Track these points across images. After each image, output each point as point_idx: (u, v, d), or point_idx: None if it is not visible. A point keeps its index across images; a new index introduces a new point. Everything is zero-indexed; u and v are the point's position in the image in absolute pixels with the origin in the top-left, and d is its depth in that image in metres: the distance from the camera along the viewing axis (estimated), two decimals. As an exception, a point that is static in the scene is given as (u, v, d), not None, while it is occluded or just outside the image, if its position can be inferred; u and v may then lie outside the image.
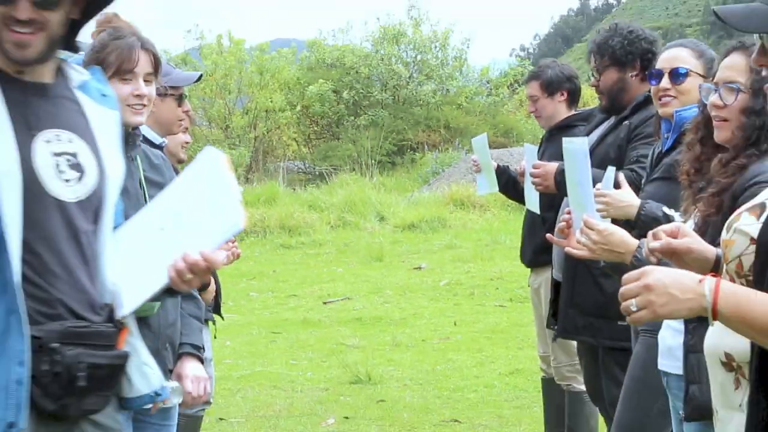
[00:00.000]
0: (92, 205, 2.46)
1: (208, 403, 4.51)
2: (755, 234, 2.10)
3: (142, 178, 3.29)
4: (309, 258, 13.94)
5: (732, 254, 2.20)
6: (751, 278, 2.11)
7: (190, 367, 3.34)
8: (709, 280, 1.97)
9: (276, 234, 15.31)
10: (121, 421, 2.56)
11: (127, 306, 2.51)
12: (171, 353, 3.29)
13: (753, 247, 2.11)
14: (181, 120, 4.18)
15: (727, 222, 2.27)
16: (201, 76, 4.37)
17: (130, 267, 2.52)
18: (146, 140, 3.95)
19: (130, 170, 3.19)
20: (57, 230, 2.37)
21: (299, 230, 15.48)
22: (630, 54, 4.47)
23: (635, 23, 4.71)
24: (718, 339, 2.29)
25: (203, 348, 3.48)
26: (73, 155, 2.44)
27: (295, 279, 12.34)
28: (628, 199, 3.58)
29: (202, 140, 22.55)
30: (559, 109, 5.37)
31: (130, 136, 3.25)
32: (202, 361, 3.42)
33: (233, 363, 8.14)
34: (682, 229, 2.52)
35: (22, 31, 2.37)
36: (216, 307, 4.48)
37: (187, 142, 4.46)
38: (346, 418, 6.57)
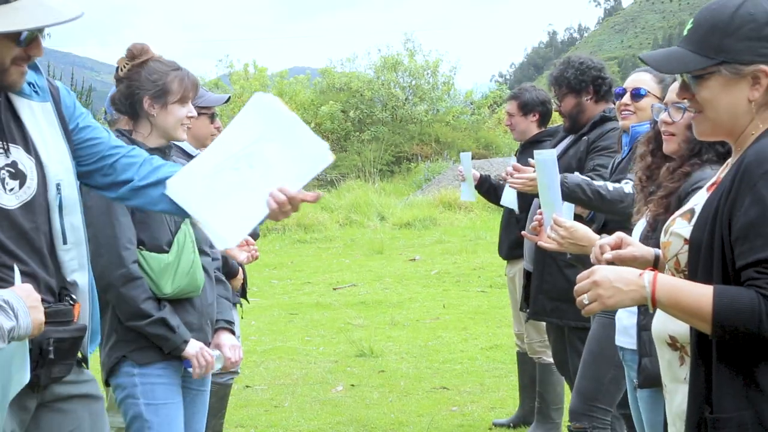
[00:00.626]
0: (38, 203, 2.36)
1: (236, 372, 4.51)
2: (688, 235, 2.10)
3: None
4: (321, 251, 13.92)
5: (670, 253, 2.19)
6: (687, 273, 2.10)
7: (226, 338, 3.36)
8: (648, 274, 1.98)
9: (293, 231, 15.30)
10: (83, 376, 2.51)
11: (232, 239, 2.40)
12: (210, 328, 3.29)
13: (687, 247, 2.10)
14: (213, 135, 4.17)
15: (665, 226, 2.26)
16: (229, 98, 4.36)
17: (219, 206, 2.40)
18: (184, 152, 3.95)
19: None
20: (6, 234, 2.29)
21: (313, 228, 15.47)
22: (583, 82, 4.47)
23: (584, 55, 4.70)
24: (663, 324, 2.28)
25: (234, 322, 3.50)
26: (13, 165, 2.33)
27: (309, 268, 12.32)
28: None
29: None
30: (530, 127, 5.37)
31: (167, 148, 3.24)
32: (233, 333, 3.43)
33: (257, 339, 8.13)
34: (624, 240, 2.51)
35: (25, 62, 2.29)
36: (243, 292, 4.47)
37: (218, 154, 4.45)
38: (353, 385, 6.56)
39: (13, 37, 2.25)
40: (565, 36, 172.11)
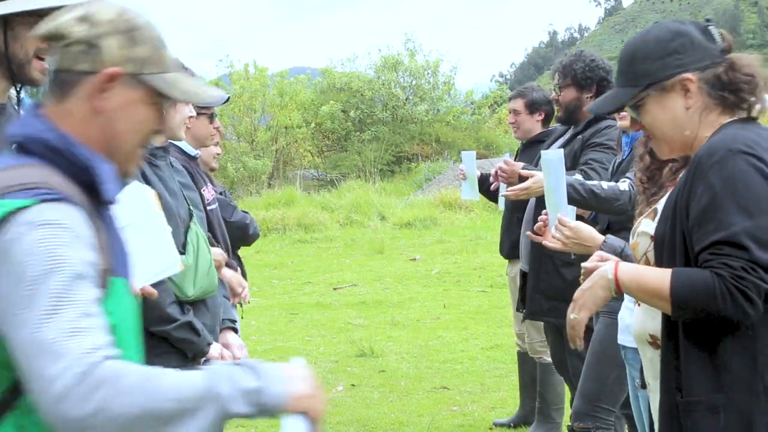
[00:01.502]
0: None
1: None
2: (653, 232, 2.21)
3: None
4: (321, 251, 13.90)
5: (639, 253, 2.30)
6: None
7: (232, 338, 3.39)
8: (609, 263, 2.16)
9: (294, 231, 15.28)
10: None
11: None
12: (218, 328, 3.29)
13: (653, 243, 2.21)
14: (213, 135, 4.17)
15: (632, 230, 2.40)
16: (229, 98, 4.35)
17: None
18: (183, 152, 3.93)
19: (171, 174, 3.16)
20: None
21: (313, 227, 15.46)
22: (589, 78, 4.44)
23: (597, 54, 4.68)
24: (643, 324, 2.36)
25: (236, 321, 3.51)
26: None
27: (309, 268, 12.31)
28: (537, 176, 3.84)
29: (231, 152, 22.53)
30: (535, 126, 5.35)
31: (168, 147, 3.23)
32: (237, 331, 3.45)
33: (258, 339, 8.11)
34: (603, 257, 2.54)
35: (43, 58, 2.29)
36: (243, 292, 4.45)
37: (218, 154, 4.45)
38: (353, 385, 6.55)
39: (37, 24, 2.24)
40: (566, 36, 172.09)
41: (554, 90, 4.62)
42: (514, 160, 5.26)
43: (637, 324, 2.37)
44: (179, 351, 3.02)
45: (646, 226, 2.29)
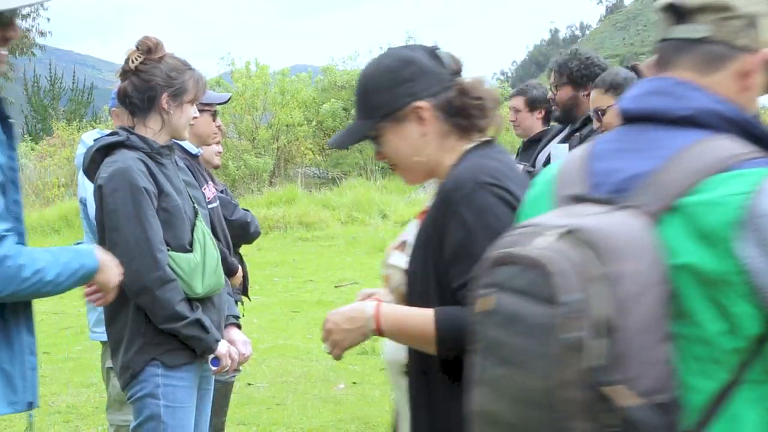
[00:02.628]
0: None
1: (238, 370, 4.52)
2: (405, 266, 2.15)
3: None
4: (323, 249, 13.92)
5: (392, 286, 2.23)
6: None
7: (236, 334, 3.43)
8: (370, 308, 2.07)
9: (295, 229, 15.30)
10: None
11: None
12: (224, 324, 3.32)
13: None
14: (215, 134, 4.19)
15: (383, 260, 2.32)
16: (230, 97, 4.37)
17: None
18: (185, 150, 3.95)
19: (176, 172, 3.18)
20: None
21: (315, 225, 15.48)
22: (585, 77, 4.47)
23: (592, 51, 4.70)
24: (396, 354, 2.23)
25: (239, 317, 3.55)
26: None
27: (311, 266, 12.33)
28: None
29: (233, 150, 22.52)
30: (535, 123, 5.36)
31: (173, 146, 3.24)
32: (240, 327, 3.47)
33: (259, 337, 8.12)
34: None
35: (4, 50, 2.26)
36: (244, 290, 4.48)
37: (219, 152, 4.46)
38: (354, 383, 6.57)
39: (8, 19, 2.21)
40: (567, 33, 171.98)
41: (551, 89, 4.65)
42: (515, 157, 5.30)
43: (389, 354, 2.27)
44: (189, 348, 3.06)
45: (396, 259, 2.22)
